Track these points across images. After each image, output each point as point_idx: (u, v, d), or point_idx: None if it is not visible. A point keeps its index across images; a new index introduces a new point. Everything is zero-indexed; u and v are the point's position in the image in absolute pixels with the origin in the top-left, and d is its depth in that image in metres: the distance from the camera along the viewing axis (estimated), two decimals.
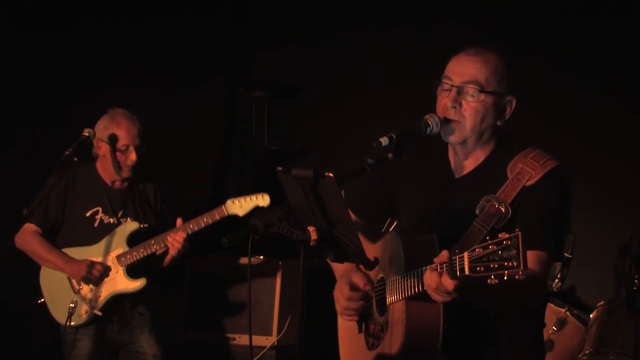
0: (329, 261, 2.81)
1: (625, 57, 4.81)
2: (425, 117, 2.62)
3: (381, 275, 2.72)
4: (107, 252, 4.34)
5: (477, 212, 2.54)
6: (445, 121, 2.61)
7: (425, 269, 2.39)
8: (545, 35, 5.01)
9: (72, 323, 4.23)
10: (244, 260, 4.93)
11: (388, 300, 2.62)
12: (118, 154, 4.31)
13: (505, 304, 2.53)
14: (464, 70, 2.62)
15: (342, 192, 2.92)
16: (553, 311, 4.44)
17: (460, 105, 2.61)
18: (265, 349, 4.79)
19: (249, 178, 5.98)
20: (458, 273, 2.24)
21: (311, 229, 2.39)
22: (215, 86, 5.99)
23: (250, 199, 4.34)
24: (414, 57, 5.32)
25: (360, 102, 5.56)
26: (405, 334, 2.49)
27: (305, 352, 2.45)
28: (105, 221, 4.37)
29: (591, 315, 4.38)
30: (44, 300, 4.37)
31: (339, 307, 2.85)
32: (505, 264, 2.13)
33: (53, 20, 5.22)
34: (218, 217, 4.32)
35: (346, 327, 2.93)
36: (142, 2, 5.51)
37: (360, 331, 2.83)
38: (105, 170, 4.41)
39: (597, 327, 4.30)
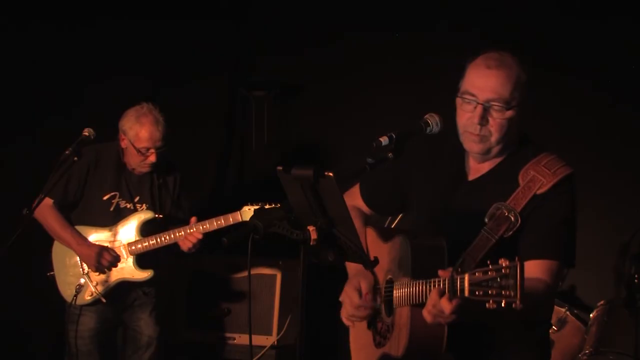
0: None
1: (625, 56, 4.81)
2: (425, 116, 2.62)
3: (390, 276, 2.72)
4: (119, 238, 4.40)
5: (486, 219, 2.53)
6: (477, 136, 2.59)
7: (432, 283, 2.38)
8: (544, 35, 5.01)
9: (77, 303, 4.31)
10: (243, 260, 4.93)
11: (395, 303, 2.62)
12: (138, 154, 4.33)
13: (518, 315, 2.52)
14: (488, 86, 2.57)
15: (358, 186, 2.96)
16: (553, 311, 4.44)
17: (487, 122, 2.58)
18: (265, 349, 4.79)
19: (248, 178, 5.98)
20: (458, 293, 2.23)
21: (311, 228, 2.39)
22: (215, 86, 5.98)
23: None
24: (414, 57, 5.33)
25: (360, 102, 5.55)
26: (409, 338, 2.50)
27: (305, 352, 2.45)
28: (122, 206, 4.41)
29: (591, 315, 4.38)
30: (53, 274, 4.42)
31: (344, 312, 2.84)
32: (503, 292, 2.11)
33: (53, 19, 5.22)
34: (232, 221, 4.34)
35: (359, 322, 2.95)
36: (142, 1, 5.51)
37: (369, 327, 2.84)
38: (126, 157, 4.42)
39: (597, 327, 4.30)
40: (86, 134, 4.26)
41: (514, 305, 2.10)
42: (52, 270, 4.44)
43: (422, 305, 2.44)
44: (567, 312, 4.43)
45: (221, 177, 6.14)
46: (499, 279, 2.12)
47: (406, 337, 2.50)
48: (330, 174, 2.32)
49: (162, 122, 4.35)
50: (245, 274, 4.92)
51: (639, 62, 4.78)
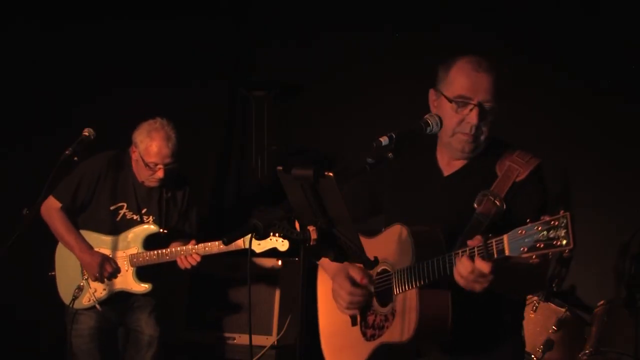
0: (317, 262, 2.87)
1: (626, 56, 4.81)
2: (425, 116, 2.67)
3: (383, 267, 2.77)
4: (121, 248, 4.40)
5: (475, 205, 2.66)
6: (473, 137, 2.70)
7: (453, 255, 2.48)
8: (545, 34, 5.01)
9: (74, 307, 4.32)
10: (243, 259, 4.93)
11: (395, 291, 2.68)
12: (146, 168, 4.32)
13: (517, 291, 2.74)
14: (482, 88, 2.69)
15: None
16: (553, 311, 4.44)
17: (483, 123, 2.70)
18: (265, 349, 4.79)
19: (248, 177, 5.98)
20: (495, 255, 2.35)
21: (311, 228, 2.39)
22: (215, 86, 5.99)
23: (270, 240, 4.34)
24: (414, 57, 5.32)
25: (360, 102, 5.56)
26: (418, 320, 2.56)
27: (305, 352, 2.45)
28: (128, 217, 4.41)
29: (591, 315, 4.38)
30: (54, 274, 4.44)
31: (341, 302, 2.88)
32: (554, 242, 2.23)
33: (53, 19, 5.22)
34: (234, 248, 4.33)
35: (334, 323, 2.98)
36: (142, 1, 5.51)
37: (354, 324, 2.87)
38: (136, 168, 4.41)
39: (597, 327, 4.31)
40: (86, 134, 4.26)
41: (564, 254, 2.25)
42: (54, 270, 4.45)
43: (431, 285, 2.54)
44: (567, 312, 4.43)
45: (221, 177, 6.15)
46: (546, 232, 2.25)
47: (416, 318, 2.57)
48: (330, 174, 2.33)
49: (174, 139, 4.33)
50: (245, 274, 4.92)
51: (639, 62, 4.78)
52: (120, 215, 4.40)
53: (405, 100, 5.06)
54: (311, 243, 2.39)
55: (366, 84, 5.57)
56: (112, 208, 4.40)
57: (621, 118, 4.85)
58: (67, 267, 4.42)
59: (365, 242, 2.83)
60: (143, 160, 4.31)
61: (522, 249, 2.29)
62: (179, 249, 4.32)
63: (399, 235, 2.71)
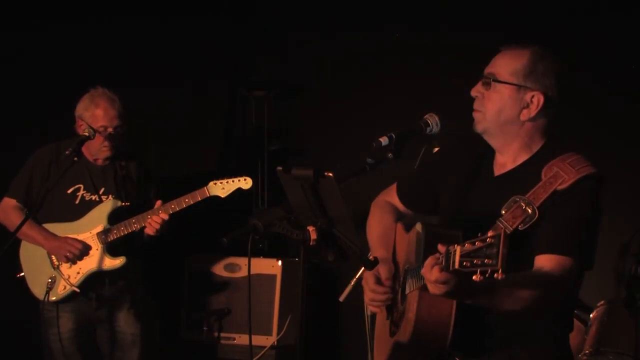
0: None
1: (627, 55, 4.81)
2: (425, 116, 2.66)
3: (407, 266, 2.75)
4: (87, 229, 4.37)
5: (502, 211, 2.49)
6: (474, 112, 2.66)
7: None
8: (545, 33, 5.00)
9: (51, 299, 4.28)
10: (243, 260, 4.93)
11: (407, 290, 2.64)
12: (97, 135, 4.31)
13: (522, 307, 2.47)
14: (492, 62, 2.68)
15: (395, 184, 2.97)
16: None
17: (483, 95, 2.65)
18: (265, 349, 4.79)
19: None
20: (451, 267, 2.19)
21: (311, 228, 2.40)
22: (215, 86, 5.99)
23: (233, 181, 4.37)
24: (414, 57, 5.32)
25: (360, 102, 5.55)
26: (416, 320, 2.47)
27: (305, 352, 2.45)
28: (87, 198, 4.38)
29: (591, 315, 4.38)
30: (23, 275, 4.39)
31: (365, 298, 2.86)
32: (486, 261, 2.09)
33: (53, 18, 5.23)
34: (199, 198, 4.36)
35: (382, 312, 2.96)
36: (142, 0, 5.51)
37: (387, 318, 2.85)
38: (87, 147, 4.40)
39: (597, 327, 4.30)
40: (86, 133, 4.27)
41: (495, 275, 2.08)
42: (21, 271, 4.39)
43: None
44: None
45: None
46: (484, 249, 2.10)
47: (413, 320, 2.48)
48: (330, 174, 2.34)
49: (118, 101, 4.36)
50: (245, 274, 4.92)
51: (639, 62, 4.77)
52: (79, 197, 4.37)
53: (405, 100, 5.07)
54: (311, 243, 2.39)
55: (366, 84, 5.56)
56: (69, 192, 4.37)
57: (622, 118, 4.85)
58: (34, 263, 4.37)
59: (403, 238, 2.84)
60: (92, 128, 4.28)
61: (465, 263, 2.14)
62: (145, 213, 4.30)
63: (416, 233, 2.65)
